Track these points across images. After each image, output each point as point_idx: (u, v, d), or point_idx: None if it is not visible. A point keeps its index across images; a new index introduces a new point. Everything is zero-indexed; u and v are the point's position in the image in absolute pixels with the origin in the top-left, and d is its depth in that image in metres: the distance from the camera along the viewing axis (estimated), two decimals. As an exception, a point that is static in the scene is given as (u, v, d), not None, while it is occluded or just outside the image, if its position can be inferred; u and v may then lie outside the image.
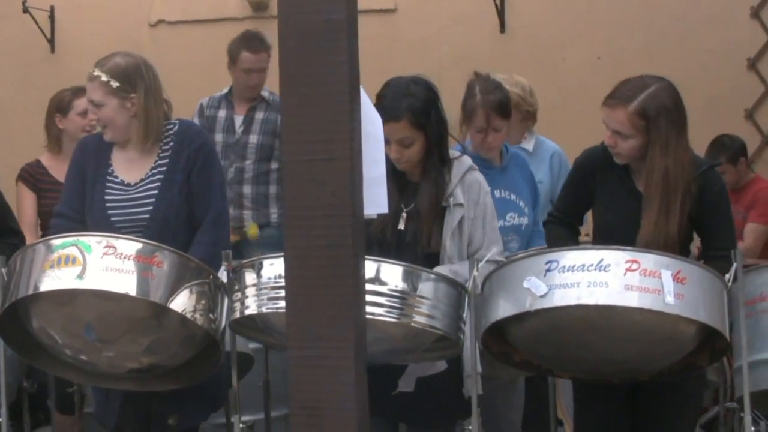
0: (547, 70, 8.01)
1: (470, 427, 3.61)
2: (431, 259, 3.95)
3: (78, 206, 4.25)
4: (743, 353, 3.62)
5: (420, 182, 4.03)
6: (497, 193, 4.85)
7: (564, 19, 8.04)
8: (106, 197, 4.21)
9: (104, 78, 4.16)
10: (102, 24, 8.58)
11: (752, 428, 3.64)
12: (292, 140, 2.63)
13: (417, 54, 8.01)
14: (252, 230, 6.23)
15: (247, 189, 6.34)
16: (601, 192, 4.11)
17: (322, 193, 2.59)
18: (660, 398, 3.97)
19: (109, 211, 4.18)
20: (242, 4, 8.42)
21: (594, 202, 4.17)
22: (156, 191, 4.19)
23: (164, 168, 4.22)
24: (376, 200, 3.05)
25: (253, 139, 6.34)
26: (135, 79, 4.19)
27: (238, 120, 6.40)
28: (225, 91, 6.49)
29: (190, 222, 4.22)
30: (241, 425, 3.87)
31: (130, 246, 3.70)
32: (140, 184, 4.23)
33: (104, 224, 4.10)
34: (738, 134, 7.16)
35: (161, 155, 4.25)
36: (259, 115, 6.38)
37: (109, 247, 3.64)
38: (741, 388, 3.74)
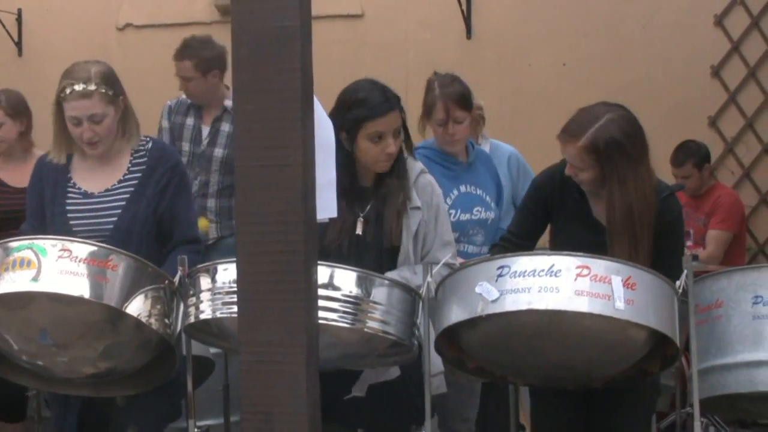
0: (513, 76, 8.08)
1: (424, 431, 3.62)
2: (393, 253, 3.98)
3: (35, 223, 4.23)
4: (694, 360, 3.63)
5: (375, 187, 4.04)
6: (463, 188, 4.92)
7: (530, 25, 8.09)
8: (68, 207, 4.20)
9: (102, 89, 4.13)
10: (69, 27, 8.59)
11: (702, 434, 3.67)
12: (245, 146, 2.64)
13: (384, 59, 8.04)
14: (202, 223, 6.06)
15: (211, 202, 6.29)
16: (558, 217, 4.10)
17: (275, 200, 2.60)
18: (613, 404, 3.99)
19: (71, 222, 4.16)
20: (210, 9, 8.44)
21: (552, 224, 4.15)
22: (123, 202, 4.18)
23: (135, 181, 4.22)
24: (326, 205, 3.07)
25: (218, 152, 6.27)
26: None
27: (205, 131, 6.34)
28: None
29: (155, 238, 4.22)
30: (196, 430, 3.87)
31: (85, 249, 3.68)
32: (105, 193, 4.22)
33: (65, 234, 4.01)
34: (701, 141, 7.22)
35: (132, 169, 4.24)
36: (225, 128, 6.29)
37: (64, 250, 3.63)
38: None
